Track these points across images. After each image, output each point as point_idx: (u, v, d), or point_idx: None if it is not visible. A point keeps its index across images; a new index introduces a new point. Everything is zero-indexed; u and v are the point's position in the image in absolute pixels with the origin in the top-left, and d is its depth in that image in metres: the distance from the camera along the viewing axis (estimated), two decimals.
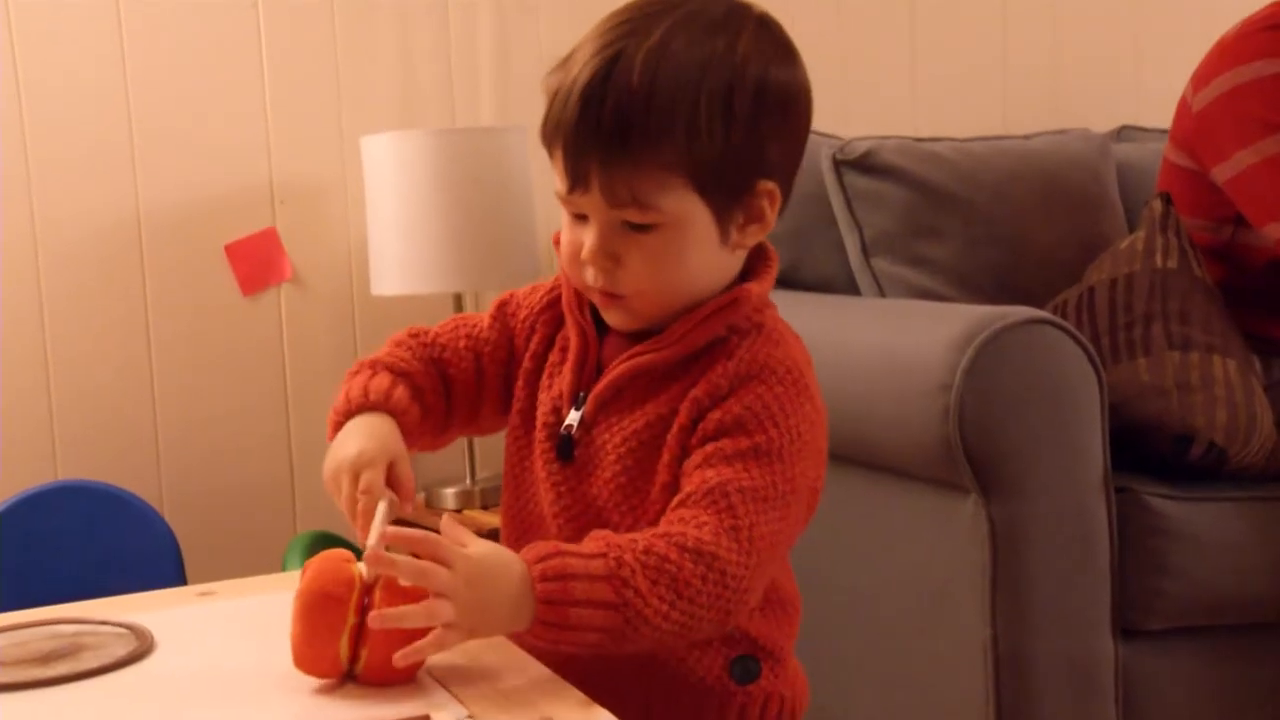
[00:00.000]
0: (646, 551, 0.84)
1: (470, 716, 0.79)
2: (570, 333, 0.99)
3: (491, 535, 2.03)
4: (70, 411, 2.04)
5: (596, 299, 0.97)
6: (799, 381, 0.93)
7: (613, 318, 0.97)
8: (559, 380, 0.99)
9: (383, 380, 1.00)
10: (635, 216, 0.92)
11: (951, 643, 1.50)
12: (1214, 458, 1.52)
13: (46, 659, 0.91)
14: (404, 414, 0.98)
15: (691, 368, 0.95)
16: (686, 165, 0.90)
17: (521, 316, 1.04)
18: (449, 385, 1.04)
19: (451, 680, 0.84)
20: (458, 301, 2.09)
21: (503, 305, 1.06)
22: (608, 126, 0.89)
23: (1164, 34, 2.68)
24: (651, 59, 0.89)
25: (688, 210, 0.92)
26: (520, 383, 1.03)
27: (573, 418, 0.97)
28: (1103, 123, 2.39)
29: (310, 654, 0.85)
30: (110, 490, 1.95)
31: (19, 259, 2.01)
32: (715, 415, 0.92)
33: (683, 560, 0.85)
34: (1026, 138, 2.09)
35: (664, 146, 0.89)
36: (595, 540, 0.86)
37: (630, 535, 0.87)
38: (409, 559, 0.82)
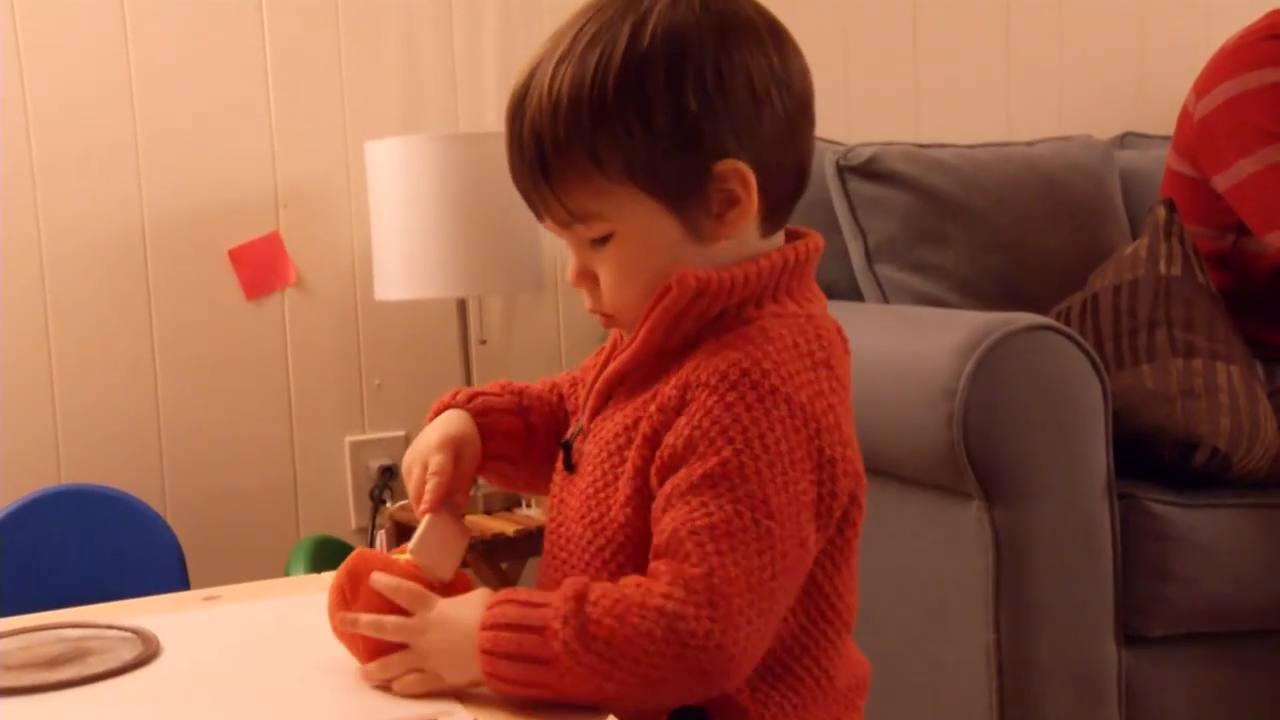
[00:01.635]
0: (595, 603, 0.79)
1: None
2: (606, 347, 0.98)
3: (495, 539, 2.03)
4: (74, 415, 2.04)
5: (603, 321, 0.93)
6: (762, 383, 0.82)
7: (627, 335, 0.93)
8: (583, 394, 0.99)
9: (489, 394, 1.01)
10: (585, 231, 0.87)
11: (955, 648, 1.50)
12: (1217, 464, 1.52)
13: (53, 663, 0.91)
14: (487, 414, 0.99)
15: (665, 373, 0.87)
16: (618, 167, 0.84)
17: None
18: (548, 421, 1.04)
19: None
20: (461, 307, 2.09)
21: None
22: (529, 150, 0.86)
23: (1167, 40, 2.68)
24: (560, 68, 0.84)
25: (637, 212, 0.85)
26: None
27: (576, 427, 0.95)
28: (1106, 129, 2.40)
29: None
30: (114, 494, 1.95)
31: (24, 263, 2.01)
32: (670, 440, 0.83)
33: (628, 615, 0.77)
34: (1030, 144, 2.09)
35: (580, 155, 0.84)
36: (563, 587, 0.81)
37: (596, 585, 0.80)
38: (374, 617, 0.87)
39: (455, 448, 0.96)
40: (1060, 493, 1.43)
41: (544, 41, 0.88)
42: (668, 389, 0.85)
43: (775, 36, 0.87)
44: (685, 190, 0.85)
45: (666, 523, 0.81)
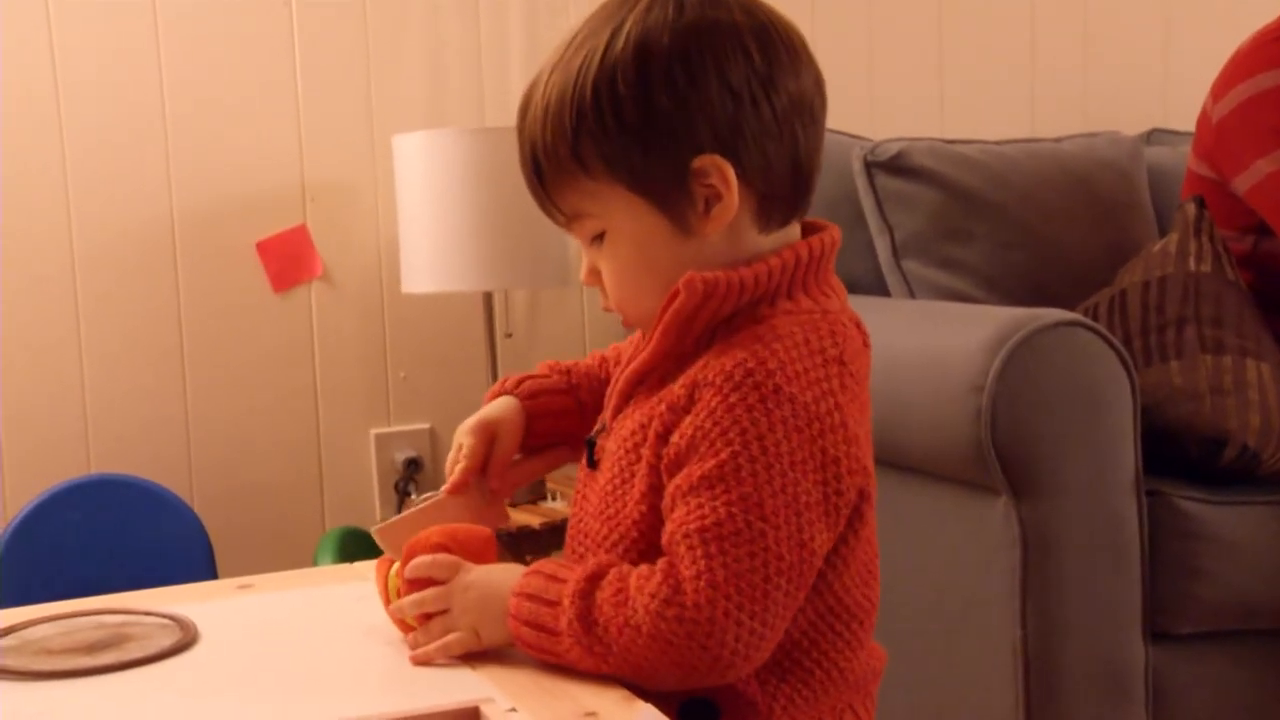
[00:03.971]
0: (604, 588, 0.83)
1: (513, 710, 0.79)
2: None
3: (520, 531, 2.03)
4: (103, 406, 2.06)
5: (622, 320, 0.96)
6: (765, 384, 0.83)
7: (644, 334, 0.97)
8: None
9: (536, 376, 1.05)
10: (581, 230, 0.92)
11: (981, 645, 1.50)
12: (1246, 461, 1.51)
13: (93, 648, 0.92)
14: (535, 397, 1.03)
15: (680, 373, 0.89)
16: (599, 166, 0.87)
17: None
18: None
19: (496, 674, 0.85)
20: (487, 300, 2.10)
21: None
22: (526, 156, 0.91)
23: (1194, 36, 2.67)
24: (552, 76, 0.89)
25: (624, 210, 0.89)
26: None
27: (599, 425, 0.97)
28: (1132, 126, 2.39)
29: None
30: (142, 484, 1.97)
31: (54, 256, 2.03)
32: (675, 439, 0.85)
33: (622, 606, 0.81)
34: (1057, 140, 2.09)
35: (565, 157, 0.88)
36: (585, 564, 0.86)
37: (613, 570, 0.84)
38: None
39: (490, 431, 1.00)
40: (1088, 489, 1.43)
41: (549, 53, 0.92)
42: (676, 388, 0.87)
43: (760, 37, 0.88)
44: (667, 186, 0.88)
45: (669, 524, 0.84)
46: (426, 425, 2.24)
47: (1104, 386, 1.43)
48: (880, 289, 1.94)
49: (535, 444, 1.03)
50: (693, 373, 0.87)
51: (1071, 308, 1.62)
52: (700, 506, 0.82)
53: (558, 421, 1.03)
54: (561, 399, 1.04)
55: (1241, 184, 1.76)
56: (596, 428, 0.97)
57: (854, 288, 1.97)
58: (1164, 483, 1.50)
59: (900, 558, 1.63)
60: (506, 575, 0.88)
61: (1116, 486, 1.44)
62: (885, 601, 1.71)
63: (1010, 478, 1.43)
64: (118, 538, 1.91)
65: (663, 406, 0.87)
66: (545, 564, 0.88)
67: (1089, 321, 1.45)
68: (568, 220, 0.92)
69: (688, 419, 0.85)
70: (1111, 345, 1.43)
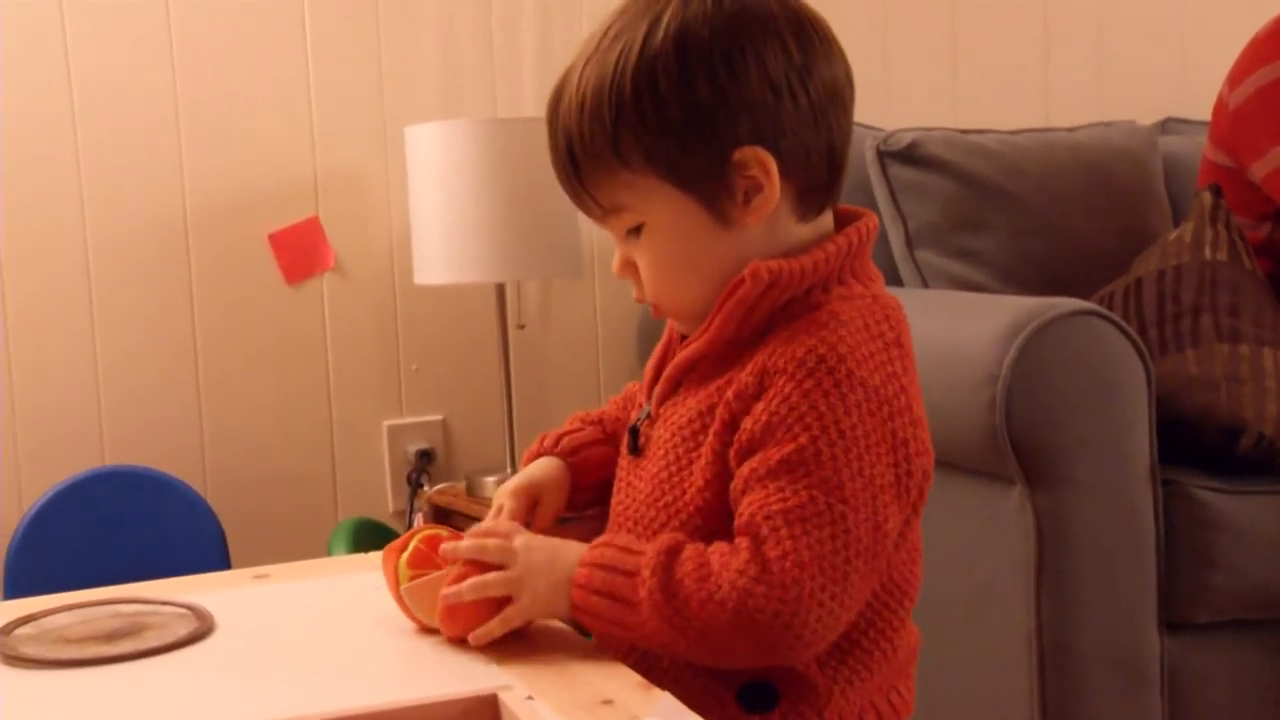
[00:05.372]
0: (684, 563, 0.84)
1: (531, 697, 0.79)
2: (664, 336, 1.00)
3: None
4: (117, 398, 2.07)
5: (652, 311, 0.97)
6: (838, 368, 0.84)
7: (675, 324, 0.98)
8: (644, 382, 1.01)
9: (571, 432, 1.05)
10: (618, 223, 0.92)
11: (996, 634, 1.49)
12: (1263, 450, 1.51)
13: (111, 637, 0.92)
14: (575, 453, 1.02)
15: (737, 361, 0.90)
16: (639, 159, 0.88)
17: None
18: None
19: (513, 663, 0.85)
20: (500, 292, 2.10)
21: None
22: (562, 150, 0.91)
23: (1209, 25, 2.66)
24: (586, 69, 0.89)
25: (664, 202, 0.89)
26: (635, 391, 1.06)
27: (644, 412, 0.97)
28: (1147, 115, 2.38)
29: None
30: (156, 476, 1.97)
31: (68, 248, 2.03)
32: (748, 425, 0.86)
33: (706, 581, 0.82)
34: (1071, 130, 2.08)
35: (604, 150, 0.88)
36: (659, 540, 0.86)
37: (690, 546, 0.85)
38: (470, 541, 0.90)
39: (532, 495, 1.00)
40: (1103, 478, 1.43)
41: (581, 45, 0.92)
42: (744, 375, 0.88)
43: (796, 28, 0.89)
44: (707, 178, 0.88)
45: (745, 505, 0.85)
46: (439, 417, 2.24)
47: (1119, 376, 1.43)
48: (894, 279, 1.93)
49: (583, 499, 1.03)
50: (760, 359, 0.87)
51: (1087, 297, 1.62)
52: (781, 490, 0.83)
53: (604, 472, 1.02)
54: (600, 450, 1.03)
55: (1259, 170, 1.75)
56: (640, 415, 0.97)
57: None
58: (1180, 472, 1.50)
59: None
60: (570, 546, 0.88)
61: (1132, 476, 1.44)
62: None
63: (1025, 467, 1.42)
64: (132, 529, 1.92)
65: (729, 393, 0.88)
66: (611, 537, 0.88)
67: (1104, 311, 1.44)
68: (604, 213, 0.92)
69: (760, 405, 0.86)
70: (1127, 334, 1.43)
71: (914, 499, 0.89)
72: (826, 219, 0.94)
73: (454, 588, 0.88)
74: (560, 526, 1.01)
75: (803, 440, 0.83)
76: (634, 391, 1.06)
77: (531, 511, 0.99)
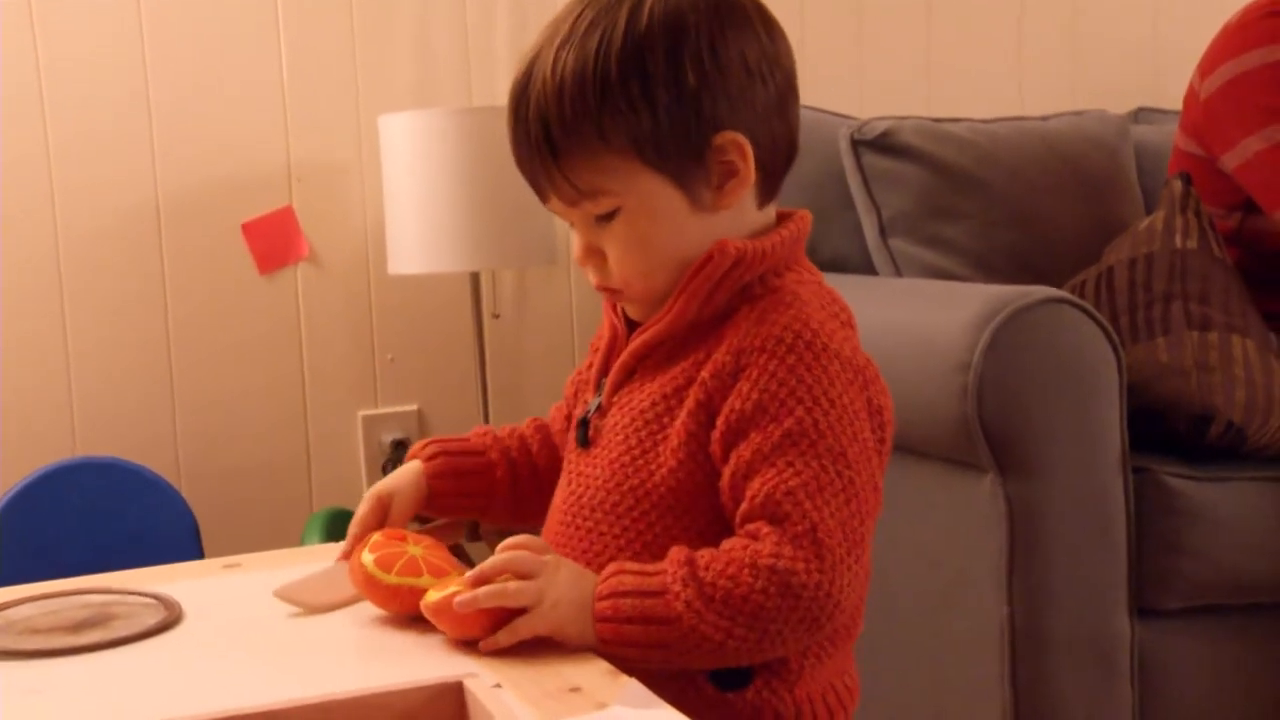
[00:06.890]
0: (707, 568, 0.83)
1: (498, 685, 0.79)
2: (604, 330, 1.00)
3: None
4: (88, 389, 2.05)
5: (608, 297, 0.97)
6: (815, 343, 0.87)
7: (630, 311, 0.97)
8: (589, 376, 1.01)
9: (450, 443, 1.06)
10: (592, 208, 0.91)
11: (968, 621, 1.50)
12: (1232, 437, 1.52)
13: (78, 627, 0.92)
14: (441, 477, 1.04)
15: (699, 344, 0.91)
16: (623, 143, 0.88)
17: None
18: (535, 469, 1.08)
19: (480, 650, 0.85)
20: (475, 280, 2.09)
21: None
22: (535, 133, 0.89)
23: (1181, 15, 2.67)
24: (562, 52, 0.88)
25: (643, 186, 0.89)
26: (573, 393, 1.05)
27: (593, 404, 0.97)
28: (1119, 104, 2.39)
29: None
30: (128, 467, 1.96)
31: (39, 238, 2.02)
32: (734, 404, 0.87)
33: (740, 575, 0.82)
34: (1044, 119, 2.09)
35: (587, 133, 0.88)
36: (671, 554, 0.85)
37: (701, 552, 0.84)
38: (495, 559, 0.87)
39: (383, 502, 1.02)
40: (1074, 466, 1.43)
41: (541, 31, 0.92)
42: (721, 355, 0.89)
43: (763, 16, 0.92)
44: (687, 162, 0.89)
45: (757, 485, 0.85)
46: (414, 407, 2.23)
47: (1091, 363, 1.43)
48: (867, 268, 1.93)
49: (442, 503, 1.05)
50: (734, 339, 0.88)
51: (1059, 285, 1.62)
52: (791, 464, 0.84)
53: (460, 482, 1.04)
54: (471, 460, 1.05)
55: (1229, 161, 1.76)
56: (589, 408, 0.97)
57: (841, 266, 1.99)
58: (1150, 459, 1.50)
59: (887, 536, 1.63)
60: (589, 573, 0.86)
61: (1103, 463, 1.44)
62: (873, 578, 1.72)
63: (997, 455, 1.43)
64: (104, 521, 1.91)
65: (704, 374, 0.89)
66: (619, 565, 0.86)
67: (1076, 299, 1.45)
68: (579, 197, 0.90)
69: (744, 384, 0.87)
70: (1098, 322, 1.44)
71: (884, 463, 0.92)
72: (771, 210, 0.97)
73: (469, 594, 0.84)
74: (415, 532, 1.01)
75: (799, 413, 0.85)
76: (571, 393, 1.06)
77: (382, 516, 1.01)
